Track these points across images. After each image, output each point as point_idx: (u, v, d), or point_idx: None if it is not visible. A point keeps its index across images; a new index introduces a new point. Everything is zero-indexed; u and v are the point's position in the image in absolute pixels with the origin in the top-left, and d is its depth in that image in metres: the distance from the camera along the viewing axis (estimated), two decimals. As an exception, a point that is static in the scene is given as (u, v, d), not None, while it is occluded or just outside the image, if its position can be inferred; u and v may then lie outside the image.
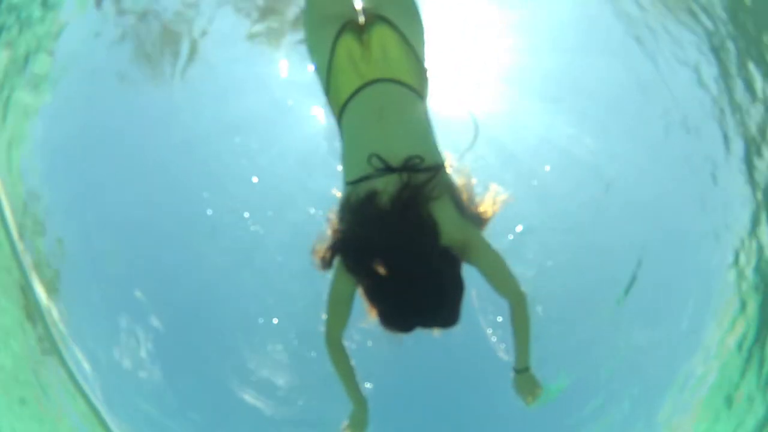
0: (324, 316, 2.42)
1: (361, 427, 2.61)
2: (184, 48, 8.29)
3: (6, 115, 7.95)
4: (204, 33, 8.20)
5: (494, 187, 2.37)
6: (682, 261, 9.22)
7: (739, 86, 7.26)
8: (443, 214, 2.18)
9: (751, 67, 7.01)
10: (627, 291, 9.50)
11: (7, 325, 8.31)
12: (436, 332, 2.22)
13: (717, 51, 7.15)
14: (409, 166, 2.22)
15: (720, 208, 8.42)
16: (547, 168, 9.00)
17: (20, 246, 8.59)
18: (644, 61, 7.83)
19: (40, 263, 9.12)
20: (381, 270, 2.02)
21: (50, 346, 9.14)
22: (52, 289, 9.31)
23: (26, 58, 7.52)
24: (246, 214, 10.16)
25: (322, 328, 2.46)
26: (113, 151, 9.81)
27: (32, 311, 8.83)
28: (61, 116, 8.67)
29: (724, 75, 7.30)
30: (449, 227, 2.18)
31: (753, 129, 7.40)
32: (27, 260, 8.73)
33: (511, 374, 2.53)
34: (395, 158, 2.24)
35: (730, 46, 7.02)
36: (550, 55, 8.14)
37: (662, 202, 9.13)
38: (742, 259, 8.31)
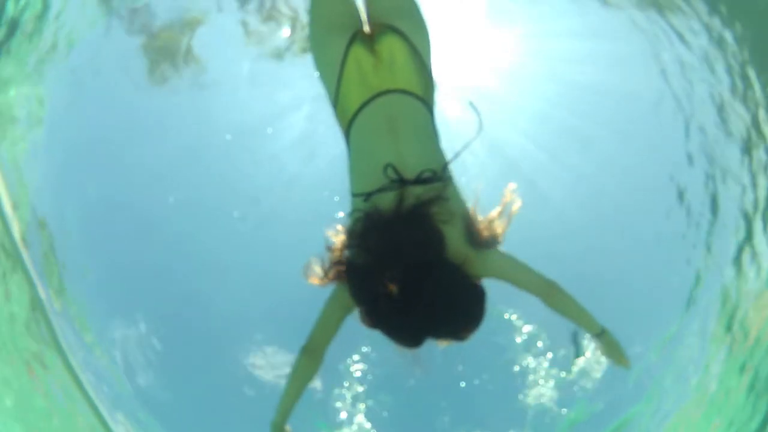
0: (313, 325, 2.36)
1: None
2: (185, 51, 8.31)
3: (9, 117, 7.95)
4: (203, 36, 8.23)
5: (496, 212, 2.32)
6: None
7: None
8: (450, 233, 2.16)
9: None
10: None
11: (7, 325, 8.29)
12: (443, 343, 2.20)
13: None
14: (422, 180, 2.21)
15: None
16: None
17: (22, 245, 8.58)
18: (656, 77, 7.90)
19: (41, 262, 9.12)
20: (388, 287, 2.01)
21: (51, 346, 9.13)
22: (53, 289, 9.32)
23: (29, 60, 7.53)
24: (236, 214, 10.20)
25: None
26: (116, 153, 9.84)
27: (34, 311, 8.83)
28: (63, 118, 8.68)
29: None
30: (454, 245, 2.15)
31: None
32: (28, 260, 8.73)
33: (594, 343, 2.44)
34: (408, 171, 2.23)
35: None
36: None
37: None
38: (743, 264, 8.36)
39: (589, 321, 2.36)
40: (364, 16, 2.70)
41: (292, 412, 2.37)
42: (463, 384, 11.54)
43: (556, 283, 2.33)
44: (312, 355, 2.37)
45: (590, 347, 9.32)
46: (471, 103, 2.62)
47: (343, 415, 11.57)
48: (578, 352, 9.75)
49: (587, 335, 2.43)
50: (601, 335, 2.37)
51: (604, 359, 2.48)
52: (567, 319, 2.37)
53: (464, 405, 11.80)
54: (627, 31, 7.66)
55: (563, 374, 10.60)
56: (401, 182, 2.20)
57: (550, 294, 2.33)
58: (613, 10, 7.59)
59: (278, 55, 8.34)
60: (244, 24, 8.11)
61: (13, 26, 6.85)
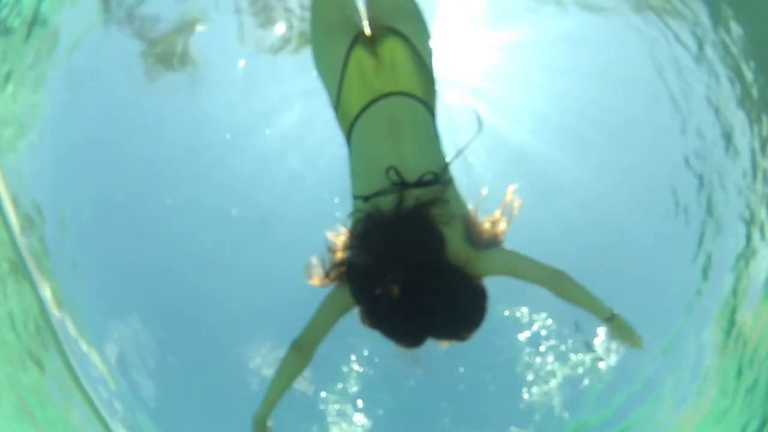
0: (308, 322, 2.37)
1: None
2: (183, 50, 8.32)
3: (9, 117, 7.95)
4: (203, 36, 8.24)
5: (496, 212, 2.33)
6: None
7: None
8: (450, 235, 2.17)
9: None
10: None
11: (7, 325, 8.29)
12: (444, 344, 2.20)
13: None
14: (423, 182, 2.21)
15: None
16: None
17: (21, 245, 8.58)
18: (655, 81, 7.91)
19: (41, 262, 9.12)
20: (389, 288, 2.02)
21: (51, 345, 9.13)
22: (53, 289, 9.31)
23: (28, 60, 7.53)
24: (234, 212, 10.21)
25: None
26: (115, 152, 9.83)
27: (33, 311, 8.83)
28: (62, 118, 8.68)
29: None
30: (454, 246, 2.16)
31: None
32: (28, 259, 8.73)
33: (604, 328, 2.42)
34: (409, 174, 2.23)
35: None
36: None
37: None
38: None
39: (599, 306, 2.36)
40: (365, 17, 2.70)
41: (275, 407, 2.38)
42: (462, 385, 11.55)
43: (563, 271, 2.33)
44: (302, 352, 2.38)
45: (596, 344, 9.29)
46: (472, 106, 2.62)
47: (342, 416, 11.57)
48: (586, 348, 9.70)
49: (598, 321, 2.42)
50: (612, 319, 2.37)
51: (613, 350, 2.48)
52: (576, 306, 2.36)
53: (465, 406, 11.80)
54: (626, 32, 7.68)
55: (565, 375, 10.60)
56: (402, 185, 2.20)
57: (558, 283, 2.33)
58: (612, 11, 7.61)
59: (276, 53, 8.34)
60: (242, 23, 8.12)
61: (12, 26, 6.86)
